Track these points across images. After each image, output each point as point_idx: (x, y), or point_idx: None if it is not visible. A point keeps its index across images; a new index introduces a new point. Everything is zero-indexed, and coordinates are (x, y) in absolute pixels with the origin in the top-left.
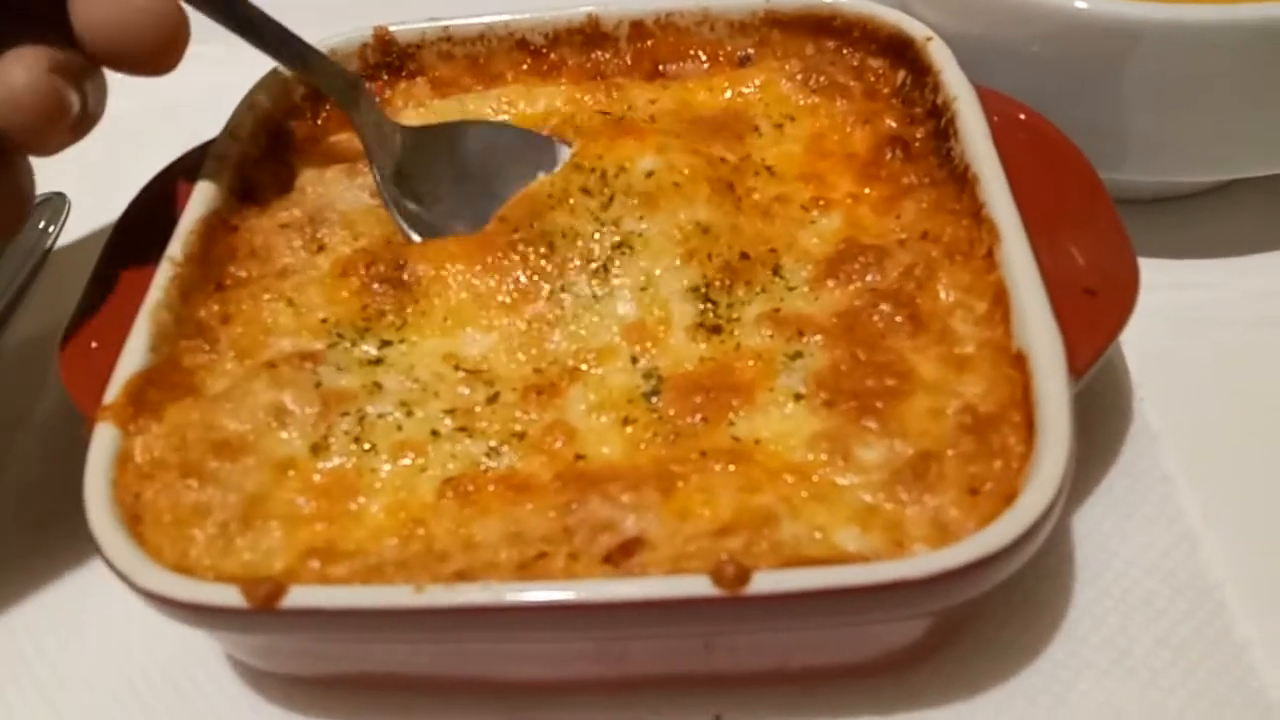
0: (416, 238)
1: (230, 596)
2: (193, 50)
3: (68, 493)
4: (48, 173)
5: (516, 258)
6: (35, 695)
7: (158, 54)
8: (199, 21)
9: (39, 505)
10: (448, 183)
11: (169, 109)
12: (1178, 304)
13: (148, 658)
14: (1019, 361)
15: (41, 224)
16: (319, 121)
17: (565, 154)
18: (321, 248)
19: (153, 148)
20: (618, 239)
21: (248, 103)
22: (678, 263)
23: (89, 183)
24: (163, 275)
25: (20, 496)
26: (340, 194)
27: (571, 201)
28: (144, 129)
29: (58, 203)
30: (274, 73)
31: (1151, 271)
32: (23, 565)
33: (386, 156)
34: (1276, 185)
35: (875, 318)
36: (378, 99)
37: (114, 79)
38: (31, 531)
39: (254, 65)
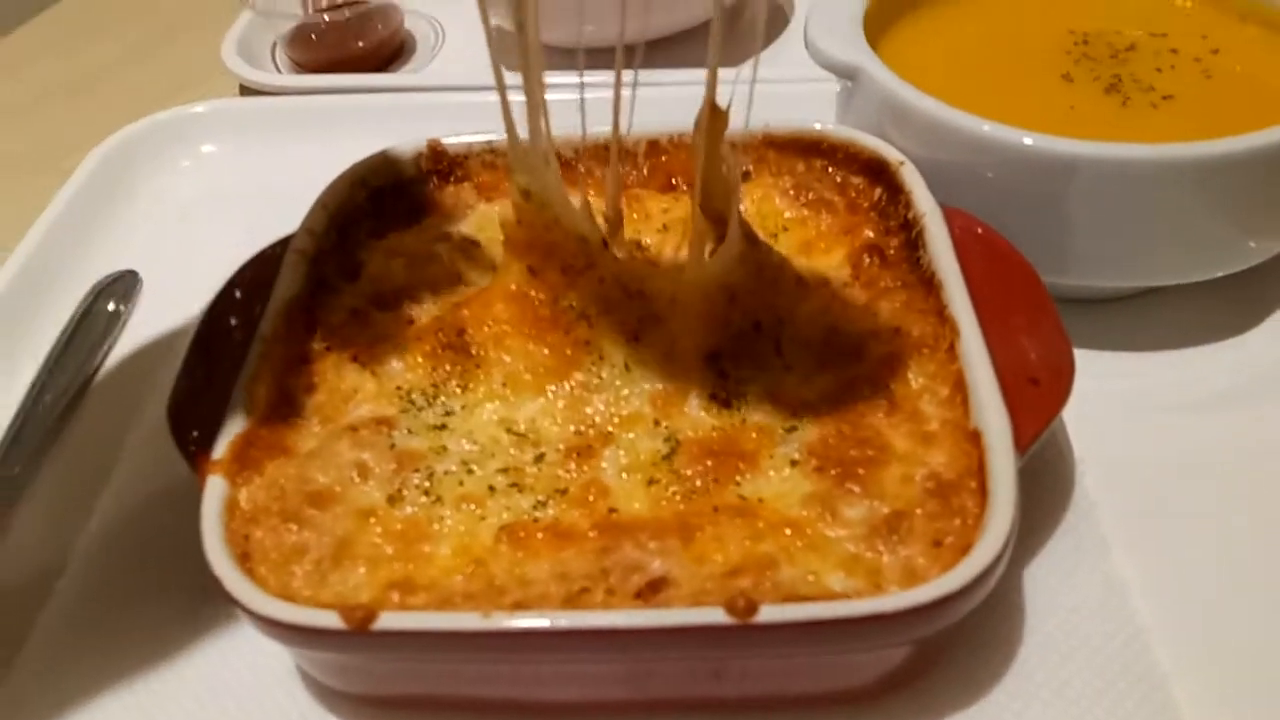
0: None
1: (330, 620)
2: (243, 152)
3: (148, 540)
4: (121, 252)
5: (563, 333)
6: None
7: None
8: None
9: (122, 552)
10: None
11: (227, 199)
12: (1113, 390)
13: (231, 676)
14: (975, 438)
15: (115, 300)
16: (380, 220)
17: None
18: (388, 326)
19: (212, 232)
20: (652, 310)
21: (321, 203)
22: (699, 330)
23: (157, 263)
24: (255, 351)
25: (106, 545)
26: (404, 278)
27: (605, 275)
28: (205, 216)
29: (130, 280)
30: (339, 179)
31: (1090, 361)
32: (111, 600)
33: None
34: (1193, 291)
35: (857, 399)
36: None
37: (180, 168)
38: (117, 575)
39: (291, 165)
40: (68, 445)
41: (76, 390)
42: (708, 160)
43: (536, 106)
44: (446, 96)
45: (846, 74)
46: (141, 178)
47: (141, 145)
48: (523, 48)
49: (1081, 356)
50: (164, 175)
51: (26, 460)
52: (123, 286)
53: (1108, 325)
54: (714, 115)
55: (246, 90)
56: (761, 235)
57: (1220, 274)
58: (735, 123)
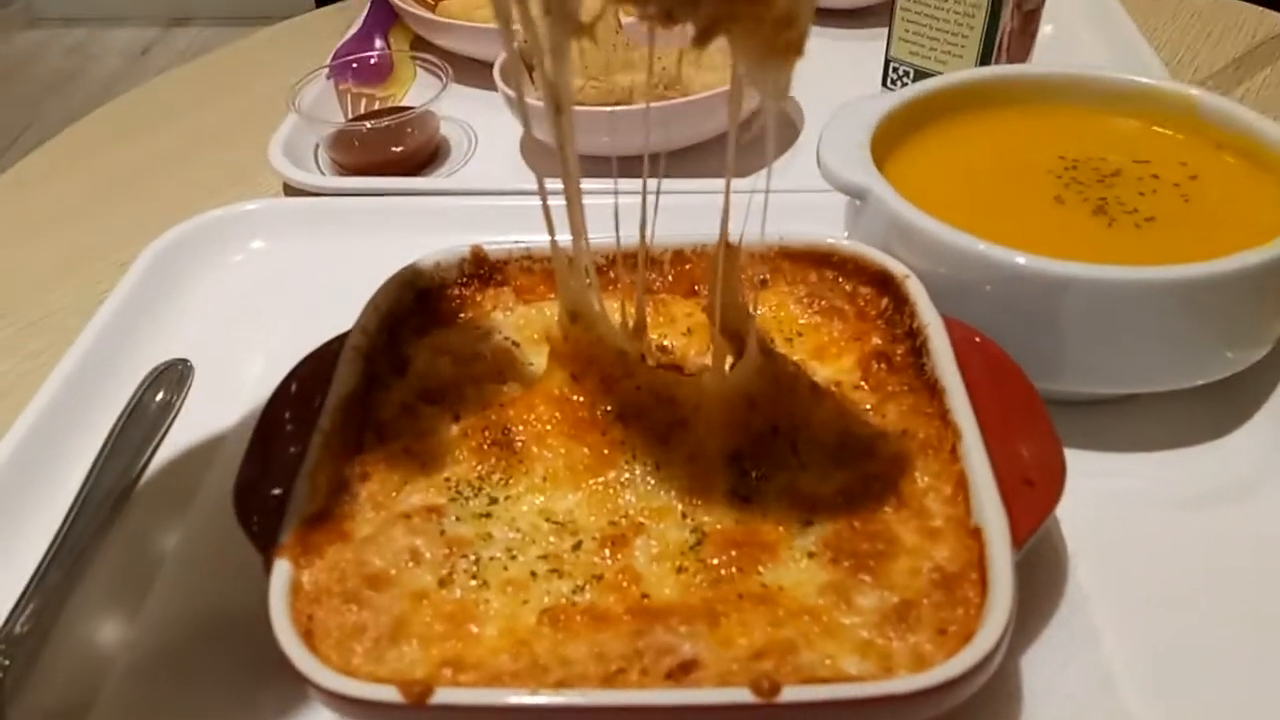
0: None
1: (391, 695)
2: (289, 248)
3: (206, 619)
4: (175, 341)
5: (600, 434)
6: None
7: None
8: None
9: (181, 630)
10: None
11: (274, 292)
12: (1105, 489)
13: None
14: (976, 534)
15: (169, 387)
16: (425, 318)
17: None
18: (436, 421)
19: (260, 324)
20: (680, 415)
21: (373, 304)
22: (722, 434)
23: (209, 352)
24: (316, 443)
25: (165, 623)
26: (449, 375)
27: (640, 384)
28: (254, 308)
29: (183, 368)
30: (390, 282)
31: (1081, 460)
32: (171, 679)
33: None
34: (1177, 396)
35: (868, 496)
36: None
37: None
38: (177, 653)
39: (333, 261)
40: (127, 525)
41: (135, 472)
42: (725, 289)
43: (579, 233)
44: (478, 200)
45: (856, 194)
46: (196, 271)
47: (196, 240)
48: (566, 179)
49: (1073, 456)
50: (217, 269)
51: (87, 540)
52: (176, 374)
53: (1098, 426)
54: (728, 250)
55: (290, 189)
56: (778, 339)
57: (1201, 382)
58: (752, 234)
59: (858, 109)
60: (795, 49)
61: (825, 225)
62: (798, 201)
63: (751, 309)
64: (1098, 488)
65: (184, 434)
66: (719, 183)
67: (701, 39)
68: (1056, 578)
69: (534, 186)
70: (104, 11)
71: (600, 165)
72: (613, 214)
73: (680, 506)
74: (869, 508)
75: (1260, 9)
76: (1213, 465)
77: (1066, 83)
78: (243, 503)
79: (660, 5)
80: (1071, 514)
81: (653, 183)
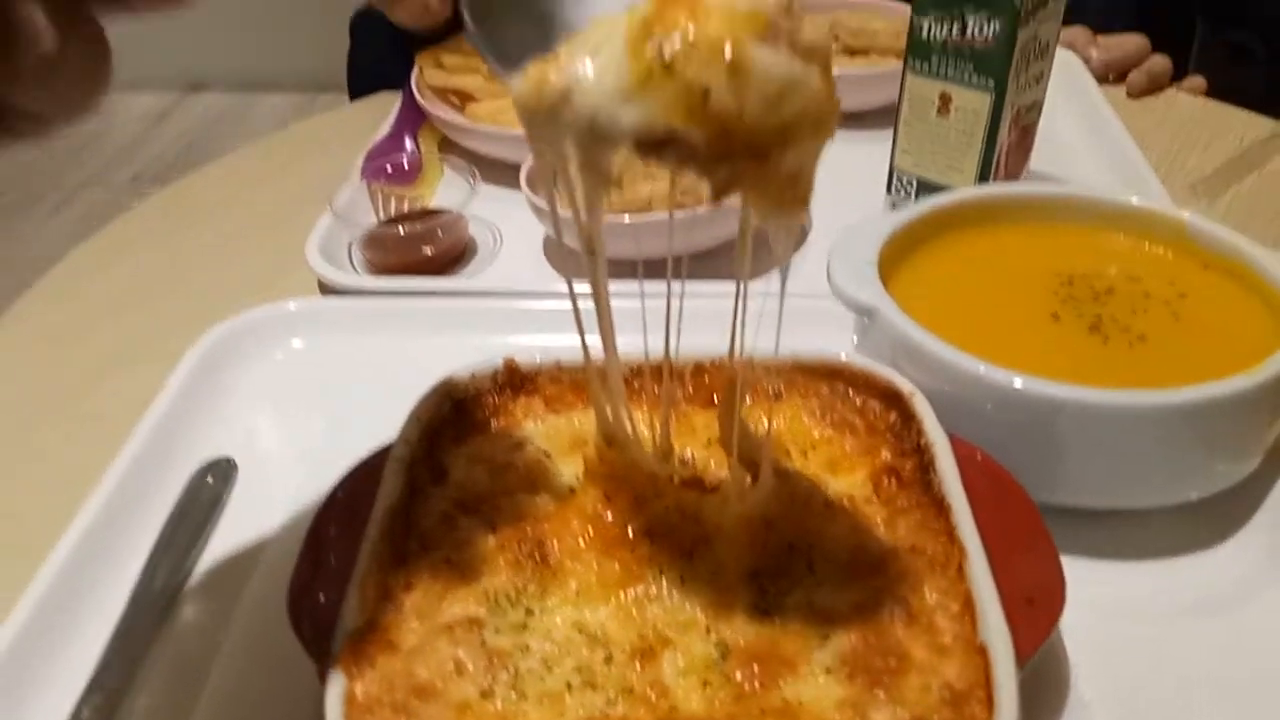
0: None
1: None
2: (327, 347)
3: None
4: (218, 437)
5: (629, 551)
6: None
7: None
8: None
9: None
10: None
11: (313, 389)
12: (1104, 598)
13: None
14: (982, 652)
15: (214, 485)
16: (460, 427)
17: None
18: (474, 531)
19: (300, 420)
20: (704, 533)
21: (414, 416)
22: (742, 552)
23: (251, 448)
24: (364, 553)
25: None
26: (485, 486)
27: (668, 504)
28: (294, 406)
29: (227, 467)
30: (430, 394)
31: (1083, 570)
32: None
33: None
34: (1175, 508)
35: (880, 610)
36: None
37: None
38: None
39: (367, 359)
40: (180, 622)
41: (186, 569)
42: (739, 425)
43: (610, 348)
44: (506, 302)
45: (864, 312)
46: (239, 368)
47: (239, 338)
48: (597, 300)
49: (1073, 565)
50: (258, 366)
51: (143, 637)
52: (221, 472)
53: (1097, 537)
54: (729, 388)
55: (326, 287)
56: (793, 451)
57: (1194, 497)
58: (766, 344)
59: (864, 229)
60: (802, 202)
61: (838, 330)
62: (812, 307)
63: (766, 424)
64: (1097, 596)
65: (229, 531)
66: (732, 285)
67: (717, 196)
68: (1059, 686)
69: (556, 288)
70: (123, 77)
71: (619, 267)
72: (633, 317)
73: (705, 620)
74: (881, 622)
75: (1247, 114)
76: (1207, 575)
77: (1063, 202)
78: (296, 609)
79: (678, 168)
80: (1072, 622)
81: (675, 285)
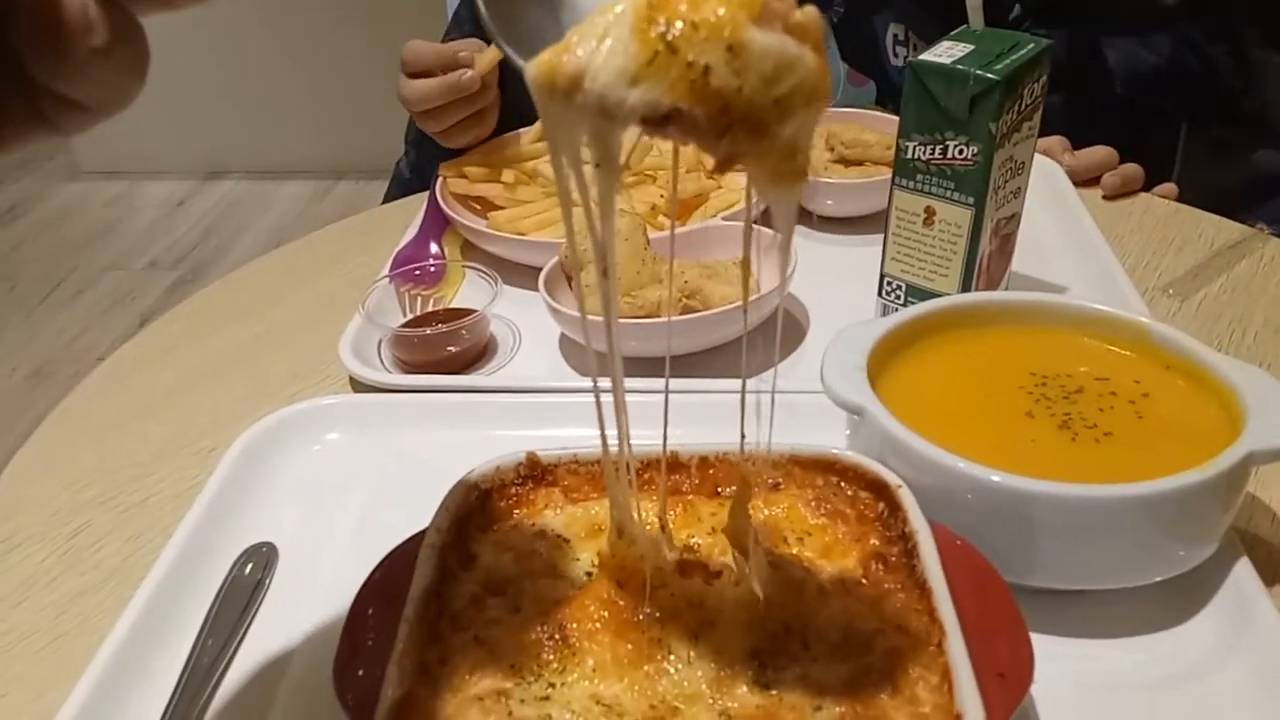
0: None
1: None
2: (360, 440)
3: None
4: (260, 524)
5: (641, 633)
6: None
7: None
8: (371, 425)
9: None
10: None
11: (348, 480)
12: (1077, 672)
13: None
14: (958, 719)
15: (257, 570)
16: (485, 515)
17: None
18: (501, 612)
19: (335, 509)
20: (708, 617)
21: (445, 506)
22: (742, 633)
23: (291, 535)
24: (402, 632)
25: None
26: (511, 571)
27: (674, 591)
28: (330, 495)
29: (269, 552)
30: (459, 486)
31: (1057, 647)
32: None
33: None
34: (1141, 588)
35: (868, 684)
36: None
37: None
38: None
39: (398, 452)
40: (228, 701)
41: (232, 650)
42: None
43: (624, 438)
44: (526, 398)
45: (855, 411)
46: (280, 460)
47: (280, 432)
48: (616, 392)
49: (1044, 641)
50: (297, 458)
51: (194, 711)
52: (263, 557)
53: (1067, 615)
54: (743, 486)
55: (357, 383)
56: (790, 538)
57: (1159, 579)
58: (762, 439)
59: (854, 335)
60: (800, 175)
61: (832, 423)
62: (811, 401)
63: (764, 513)
64: (1070, 671)
65: (272, 612)
66: (734, 382)
67: (720, 168)
68: None
69: (571, 384)
70: (143, 165)
71: (629, 366)
72: (643, 409)
73: (710, 693)
74: (869, 694)
75: (1218, 219)
76: (1173, 650)
77: (1037, 307)
78: (341, 682)
79: (682, 141)
80: (1046, 695)
81: (676, 383)
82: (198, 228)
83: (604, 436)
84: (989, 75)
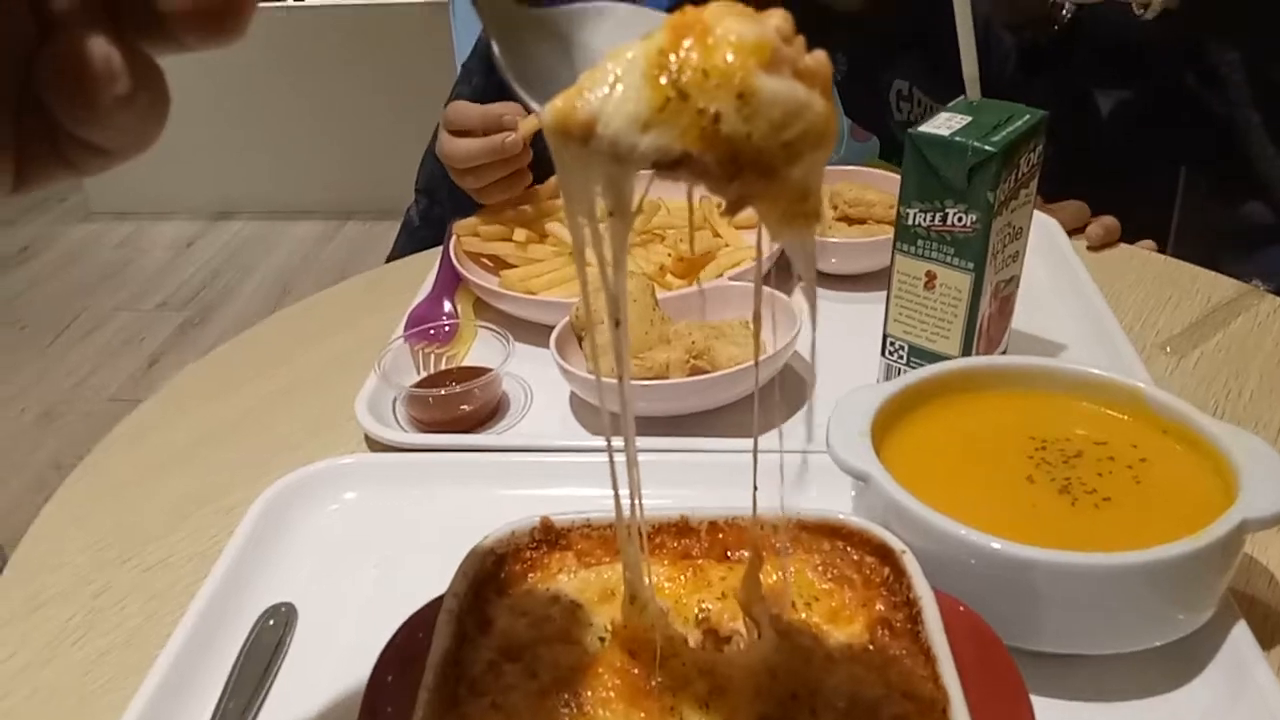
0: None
1: None
2: (377, 498)
3: None
4: (280, 583)
5: (653, 700)
6: None
7: None
8: (387, 484)
9: None
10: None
11: (365, 537)
12: None
13: None
14: None
15: (277, 628)
16: (500, 579)
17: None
18: (518, 677)
19: (353, 567)
20: (718, 685)
21: (462, 571)
22: (751, 701)
23: (310, 593)
24: (421, 699)
25: None
26: (526, 636)
27: (685, 661)
28: (347, 554)
29: (288, 612)
30: (476, 551)
31: (1060, 712)
32: None
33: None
34: (1141, 652)
35: None
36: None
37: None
38: None
39: (413, 510)
40: None
41: (254, 711)
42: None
43: (636, 493)
44: (537, 457)
45: (860, 477)
46: (299, 519)
47: (299, 491)
48: (628, 450)
49: (1050, 706)
50: (315, 517)
51: None
52: (283, 617)
53: (1068, 680)
54: (755, 556)
55: (372, 441)
56: (798, 602)
57: (1158, 643)
58: (773, 506)
59: (858, 400)
60: (813, 217)
61: (838, 481)
62: (818, 462)
63: (773, 577)
64: None
65: (292, 671)
66: (745, 442)
67: (731, 210)
68: None
69: (582, 443)
70: (153, 206)
71: (639, 425)
72: (653, 469)
73: None
74: None
75: (1214, 274)
76: (1171, 713)
77: (1036, 372)
78: None
79: (693, 184)
80: None
81: (685, 442)
82: (206, 269)
83: (617, 500)
84: (986, 147)
